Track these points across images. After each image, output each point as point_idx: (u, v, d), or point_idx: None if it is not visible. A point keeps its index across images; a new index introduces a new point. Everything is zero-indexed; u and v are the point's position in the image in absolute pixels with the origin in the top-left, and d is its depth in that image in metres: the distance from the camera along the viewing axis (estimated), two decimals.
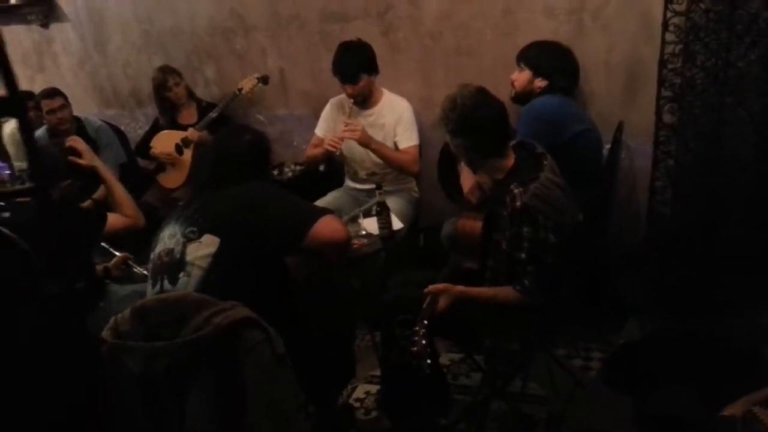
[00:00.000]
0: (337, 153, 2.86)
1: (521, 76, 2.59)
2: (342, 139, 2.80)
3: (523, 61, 2.59)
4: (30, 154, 0.85)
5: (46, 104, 3.31)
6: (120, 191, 2.41)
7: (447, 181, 2.71)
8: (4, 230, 0.81)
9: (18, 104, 0.79)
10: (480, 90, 1.93)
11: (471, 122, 1.89)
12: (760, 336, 2.15)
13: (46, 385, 1.61)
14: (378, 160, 2.92)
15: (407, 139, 2.91)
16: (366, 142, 2.79)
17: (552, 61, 2.55)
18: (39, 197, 0.82)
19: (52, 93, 3.32)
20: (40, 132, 3.38)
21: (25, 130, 0.86)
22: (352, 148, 2.96)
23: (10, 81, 0.78)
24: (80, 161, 2.36)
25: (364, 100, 2.92)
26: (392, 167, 2.92)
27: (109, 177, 2.43)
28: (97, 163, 2.42)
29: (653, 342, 2.44)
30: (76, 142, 2.41)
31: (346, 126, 2.80)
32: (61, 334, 1.30)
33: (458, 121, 1.90)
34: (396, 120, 2.92)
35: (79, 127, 3.45)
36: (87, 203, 2.51)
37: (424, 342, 1.69)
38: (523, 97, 2.57)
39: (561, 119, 2.42)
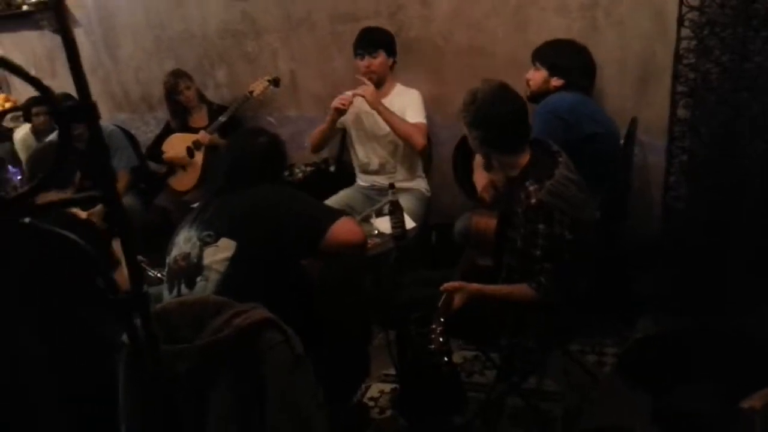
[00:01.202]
0: (346, 108, 2.87)
1: (537, 75, 2.57)
2: (351, 100, 2.85)
3: (539, 59, 2.58)
4: (94, 162, 0.83)
5: None
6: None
7: (464, 180, 2.70)
8: (70, 234, 0.80)
9: (90, 111, 0.79)
10: (502, 86, 1.93)
11: (489, 116, 1.89)
12: None
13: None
14: (389, 145, 2.97)
15: (414, 116, 2.93)
16: (375, 103, 2.83)
17: (568, 59, 2.54)
18: (109, 204, 0.81)
19: (65, 99, 3.33)
20: (52, 136, 3.41)
21: (96, 138, 0.85)
22: (363, 134, 3.02)
23: (83, 87, 0.78)
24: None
25: (377, 85, 2.93)
26: (399, 135, 2.91)
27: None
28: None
29: (669, 337, 2.43)
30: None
31: (356, 92, 2.85)
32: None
33: (477, 114, 1.90)
34: (406, 104, 2.96)
35: None
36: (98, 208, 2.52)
37: (441, 339, 1.69)
38: (539, 96, 2.55)
39: (575, 116, 2.40)
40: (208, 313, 1.58)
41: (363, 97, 2.83)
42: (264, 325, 1.55)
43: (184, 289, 1.84)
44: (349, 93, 2.88)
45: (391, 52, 2.95)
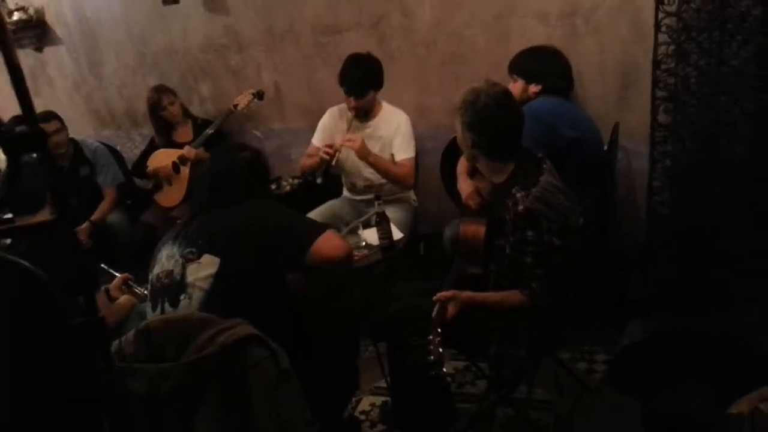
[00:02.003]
0: (333, 163, 2.84)
1: (515, 87, 2.57)
2: (339, 149, 2.81)
3: (514, 71, 2.60)
4: (52, 187, 0.83)
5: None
6: None
7: (451, 187, 2.70)
8: (23, 261, 0.79)
9: (39, 137, 0.78)
10: (506, 92, 1.93)
11: (488, 121, 1.88)
12: (763, 332, 2.15)
13: (64, 412, 1.60)
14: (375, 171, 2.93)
15: (403, 151, 2.90)
16: (364, 155, 2.79)
17: (541, 65, 2.56)
18: (60, 231, 0.80)
19: (48, 117, 3.29)
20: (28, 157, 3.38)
21: (48, 163, 0.84)
22: (349, 161, 2.97)
23: (29, 113, 0.77)
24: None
25: (365, 113, 2.92)
26: (388, 180, 2.91)
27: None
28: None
29: (658, 342, 2.43)
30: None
31: (345, 139, 2.80)
32: (82, 365, 1.28)
33: (477, 117, 1.89)
34: (393, 132, 2.92)
35: (76, 149, 3.45)
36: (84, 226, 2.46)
37: (440, 349, 1.68)
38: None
39: (557, 119, 2.42)
40: (192, 330, 1.57)
41: (351, 148, 2.78)
42: (249, 341, 1.54)
43: (167, 307, 1.82)
44: (337, 146, 2.82)
45: (378, 85, 2.85)
